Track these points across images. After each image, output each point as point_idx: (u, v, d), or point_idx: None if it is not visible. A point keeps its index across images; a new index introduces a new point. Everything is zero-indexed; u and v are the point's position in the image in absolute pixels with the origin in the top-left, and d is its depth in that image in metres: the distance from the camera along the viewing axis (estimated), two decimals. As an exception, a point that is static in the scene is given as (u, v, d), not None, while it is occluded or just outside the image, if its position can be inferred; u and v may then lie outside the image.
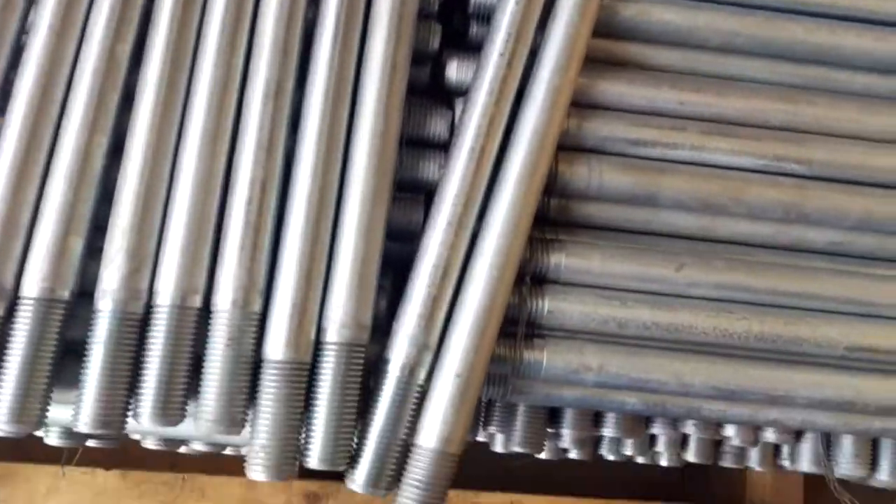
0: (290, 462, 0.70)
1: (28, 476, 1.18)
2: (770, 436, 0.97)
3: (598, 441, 1.04)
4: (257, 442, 0.70)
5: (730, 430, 0.96)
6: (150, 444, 0.87)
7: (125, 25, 0.75)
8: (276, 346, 0.71)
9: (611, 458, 1.05)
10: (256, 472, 0.69)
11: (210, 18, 0.77)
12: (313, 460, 0.71)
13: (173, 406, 0.70)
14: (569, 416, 0.93)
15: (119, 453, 1.29)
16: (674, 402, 0.85)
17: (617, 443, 1.03)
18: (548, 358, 0.79)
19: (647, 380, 0.81)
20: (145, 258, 0.71)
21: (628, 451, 1.03)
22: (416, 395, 0.73)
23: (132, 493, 1.19)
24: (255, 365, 0.72)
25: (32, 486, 1.18)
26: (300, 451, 0.72)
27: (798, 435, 0.99)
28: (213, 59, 0.75)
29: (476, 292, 0.74)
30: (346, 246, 0.74)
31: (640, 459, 1.05)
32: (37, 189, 0.72)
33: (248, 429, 0.73)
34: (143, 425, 0.69)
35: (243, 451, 0.94)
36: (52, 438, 0.83)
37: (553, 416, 0.94)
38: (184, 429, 0.75)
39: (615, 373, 0.80)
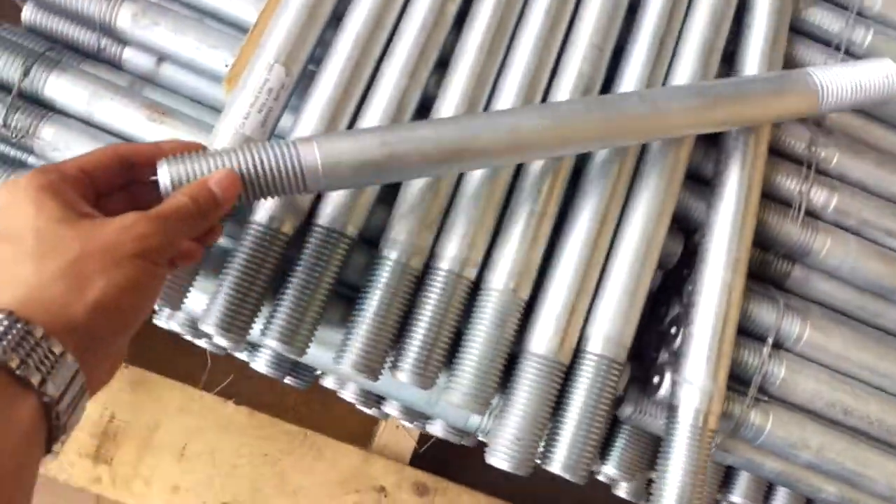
0: (532, 458, 0.70)
1: (161, 391, 1.19)
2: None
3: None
4: (508, 432, 0.69)
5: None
6: (348, 394, 0.87)
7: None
8: (542, 341, 0.71)
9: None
10: (500, 460, 0.69)
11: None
12: (556, 465, 0.70)
13: (431, 368, 0.70)
14: (743, 483, 0.92)
15: (254, 393, 1.31)
16: (868, 504, 0.84)
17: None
18: (772, 425, 0.78)
19: (859, 474, 0.79)
20: (435, 217, 0.72)
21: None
22: (709, 438, 0.73)
23: (254, 433, 1.20)
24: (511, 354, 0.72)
25: (164, 400, 1.18)
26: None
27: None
28: (531, 46, 0.76)
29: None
30: (623, 260, 0.74)
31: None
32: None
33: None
34: (401, 379, 0.69)
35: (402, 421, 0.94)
36: (261, 365, 0.84)
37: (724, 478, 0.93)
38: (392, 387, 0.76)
39: (832, 458, 0.79)
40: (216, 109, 0.79)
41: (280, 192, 0.59)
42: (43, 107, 0.73)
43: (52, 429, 0.45)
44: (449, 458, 1.27)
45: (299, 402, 1.42)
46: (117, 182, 0.55)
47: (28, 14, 0.78)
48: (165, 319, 0.87)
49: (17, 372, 0.42)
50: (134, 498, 1.14)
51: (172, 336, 1.03)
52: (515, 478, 0.75)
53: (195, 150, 0.58)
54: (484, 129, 0.66)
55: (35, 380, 0.43)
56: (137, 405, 1.18)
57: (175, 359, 1.33)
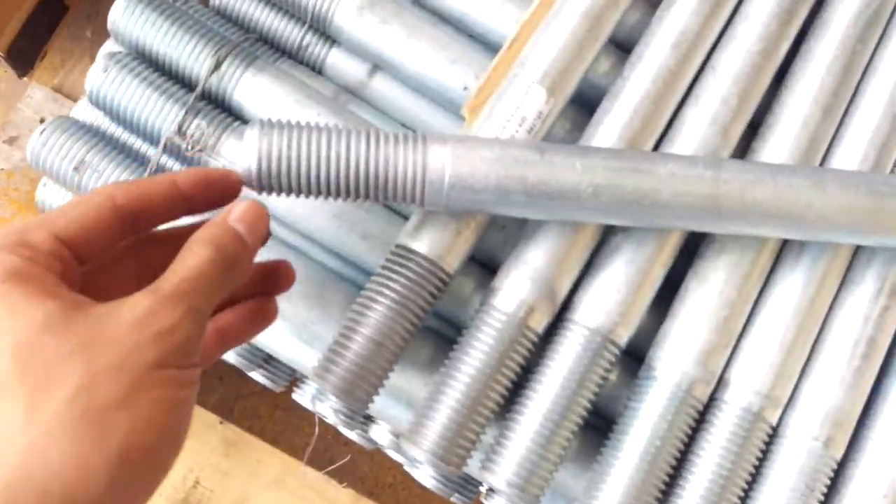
0: None
1: (258, 458, 1.00)
2: None
3: None
4: None
5: None
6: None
7: None
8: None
9: None
10: None
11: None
12: None
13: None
14: None
15: (349, 460, 1.12)
16: None
17: None
18: None
19: None
20: (735, 333, 0.52)
21: None
22: None
23: (359, 524, 1.00)
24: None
25: (260, 468, 0.99)
26: None
27: None
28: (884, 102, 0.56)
29: None
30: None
31: None
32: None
33: None
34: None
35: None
36: (425, 479, 0.64)
37: None
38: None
39: None
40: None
41: (387, 198, 0.46)
42: (228, 113, 0.55)
43: None
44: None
45: (398, 481, 1.22)
46: (115, 242, 0.37)
47: (220, -7, 0.61)
48: (311, 398, 0.68)
49: None
50: (210, 587, 0.94)
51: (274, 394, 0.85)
52: None
53: (231, 184, 0.42)
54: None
55: None
56: (228, 471, 0.99)
57: (275, 417, 1.15)
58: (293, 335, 0.57)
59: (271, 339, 0.59)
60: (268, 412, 1.18)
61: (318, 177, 0.44)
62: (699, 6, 0.54)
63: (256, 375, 0.70)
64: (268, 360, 0.69)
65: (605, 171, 0.45)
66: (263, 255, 0.53)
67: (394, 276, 0.49)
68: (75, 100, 1.22)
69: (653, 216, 0.47)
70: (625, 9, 0.56)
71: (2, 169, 1.16)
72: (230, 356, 0.68)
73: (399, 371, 0.54)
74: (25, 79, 1.23)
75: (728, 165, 0.47)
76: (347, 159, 0.44)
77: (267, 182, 0.43)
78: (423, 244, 0.49)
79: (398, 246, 0.50)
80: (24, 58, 1.18)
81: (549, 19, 0.55)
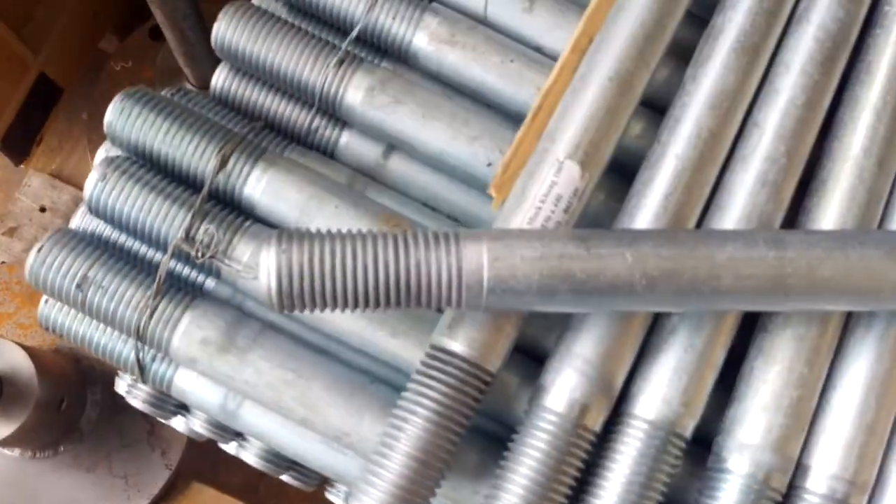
0: None
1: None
2: None
3: None
4: None
5: None
6: None
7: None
8: None
9: None
10: None
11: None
12: None
13: None
14: None
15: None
16: None
17: None
18: None
19: None
20: (808, 416, 0.48)
21: None
22: None
23: None
24: None
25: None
26: None
27: None
28: None
29: None
30: None
31: None
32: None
33: None
34: None
35: None
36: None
37: None
38: None
39: None
40: (460, 222, 0.57)
41: (421, 305, 0.42)
42: (239, 212, 0.52)
43: None
44: None
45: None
46: None
47: (220, 80, 0.57)
48: (345, 497, 0.63)
49: None
50: None
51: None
52: None
53: None
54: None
55: None
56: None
57: (304, 494, 1.09)
58: (324, 445, 0.53)
59: (301, 448, 0.54)
60: (296, 489, 1.12)
61: (344, 291, 0.40)
62: (735, 61, 0.50)
63: (286, 477, 0.66)
64: (296, 463, 0.64)
65: (657, 261, 0.41)
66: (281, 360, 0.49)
67: (432, 382, 0.44)
68: (75, 185, 1.19)
69: (712, 303, 0.43)
70: (654, 67, 0.52)
71: (2, 262, 1.12)
72: (253, 460, 0.63)
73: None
74: (22, 166, 1.20)
75: (791, 241, 0.43)
76: (375, 269, 0.39)
77: (289, 302, 0.39)
78: (461, 344, 0.45)
79: (434, 347, 0.46)
80: (20, 145, 1.16)
81: (574, 86, 0.51)
